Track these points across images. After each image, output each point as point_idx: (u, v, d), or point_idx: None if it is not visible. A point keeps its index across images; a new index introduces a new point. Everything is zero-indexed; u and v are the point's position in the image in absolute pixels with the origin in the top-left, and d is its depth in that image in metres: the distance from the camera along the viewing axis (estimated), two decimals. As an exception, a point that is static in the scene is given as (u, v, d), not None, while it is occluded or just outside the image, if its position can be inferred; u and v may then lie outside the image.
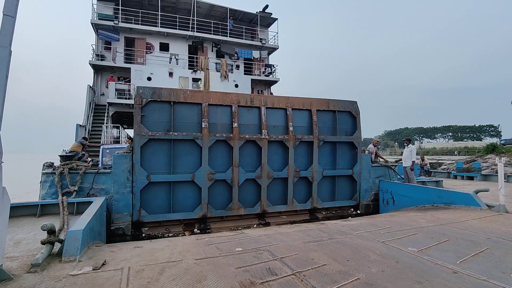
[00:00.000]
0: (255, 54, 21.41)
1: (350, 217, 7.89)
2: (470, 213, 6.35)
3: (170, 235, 6.72)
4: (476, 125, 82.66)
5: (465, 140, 73.80)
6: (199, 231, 7.04)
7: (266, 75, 22.50)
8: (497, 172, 7.70)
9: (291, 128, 8.01)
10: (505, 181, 7.69)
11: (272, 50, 22.91)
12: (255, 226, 7.52)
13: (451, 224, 5.45)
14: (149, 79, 18.10)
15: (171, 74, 18.77)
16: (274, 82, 22.79)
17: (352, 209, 8.98)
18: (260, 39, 22.19)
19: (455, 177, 16.08)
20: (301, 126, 8.28)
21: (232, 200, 7.45)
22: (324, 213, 8.59)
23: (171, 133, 6.98)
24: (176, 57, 19.58)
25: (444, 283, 2.97)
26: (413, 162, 9.32)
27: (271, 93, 22.82)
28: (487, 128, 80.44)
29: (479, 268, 3.37)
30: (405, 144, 9.94)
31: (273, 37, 22.98)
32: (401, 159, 10.12)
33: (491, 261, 3.59)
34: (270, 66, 22.79)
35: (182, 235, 6.68)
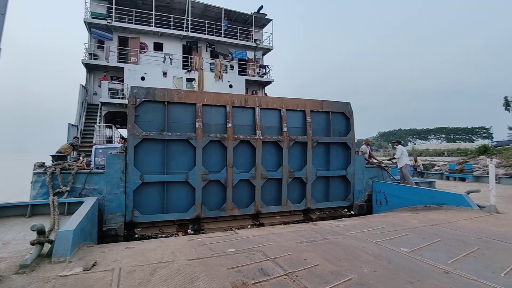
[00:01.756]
0: (250, 54, 21.41)
1: (343, 218, 7.92)
2: (462, 214, 6.42)
3: (163, 236, 6.66)
4: (469, 127, 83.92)
5: (457, 141, 74.79)
6: (192, 231, 6.99)
7: (260, 76, 22.52)
8: (488, 173, 7.81)
9: (285, 129, 8.02)
10: (496, 182, 7.79)
11: (266, 50, 22.95)
12: (249, 227, 7.50)
13: (443, 224, 5.50)
14: (142, 78, 17.97)
15: (165, 74, 18.66)
16: (268, 82, 22.83)
17: (346, 210, 9.01)
18: (254, 39, 22.20)
19: (448, 178, 16.27)
20: (295, 127, 8.29)
21: (226, 201, 7.43)
22: (318, 213, 8.61)
23: (165, 133, 6.93)
24: (170, 57, 19.49)
25: (435, 283, 2.99)
26: (406, 164, 9.44)
27: (265, 94, 22.85)
28: (479, 130, 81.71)
29: (470, 268, 3.40)
30: (395, 146, 10.08)
31: (267, 37, 23.04)
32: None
33: (481, 261, 3.64)
34: (265, 66, 22.83)
35: (175, 236, 6.63)
